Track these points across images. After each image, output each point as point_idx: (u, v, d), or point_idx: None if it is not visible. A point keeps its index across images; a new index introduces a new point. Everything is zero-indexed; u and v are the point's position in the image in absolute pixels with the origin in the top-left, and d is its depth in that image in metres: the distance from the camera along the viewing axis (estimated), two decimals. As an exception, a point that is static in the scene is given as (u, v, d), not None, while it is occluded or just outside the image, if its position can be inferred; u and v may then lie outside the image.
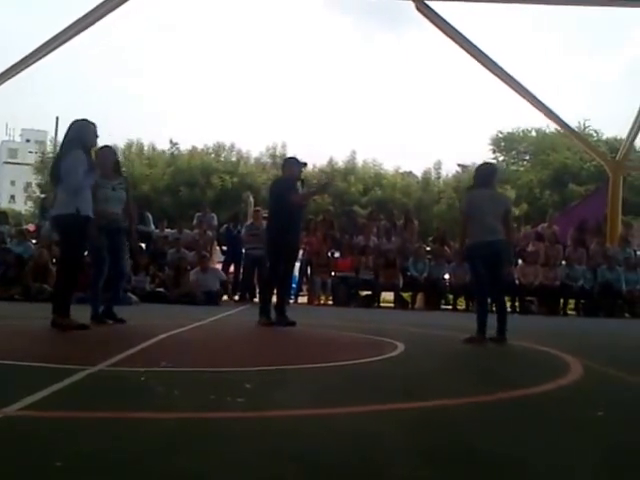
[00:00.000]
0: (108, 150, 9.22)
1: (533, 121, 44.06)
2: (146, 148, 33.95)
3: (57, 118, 47.56)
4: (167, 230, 17.72)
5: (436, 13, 18.87)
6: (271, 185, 10.16)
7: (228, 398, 3.73)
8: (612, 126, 59.34)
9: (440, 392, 4.34)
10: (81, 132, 7.54)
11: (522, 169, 44.35)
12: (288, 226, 9.05)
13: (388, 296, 17.92)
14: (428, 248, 18.00)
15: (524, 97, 19.74)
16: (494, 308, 8.04)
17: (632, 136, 20.72)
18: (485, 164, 8.69)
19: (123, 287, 9.15)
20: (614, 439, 3.25)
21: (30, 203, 42.66)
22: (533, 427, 3.42)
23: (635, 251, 18.00)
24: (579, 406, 4.09)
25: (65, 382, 4.02)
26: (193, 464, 2.51)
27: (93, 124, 7.67)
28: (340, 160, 36.80)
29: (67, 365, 4.65)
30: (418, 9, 18.77)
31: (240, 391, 3.93)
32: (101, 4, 17.78)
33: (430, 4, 18.84)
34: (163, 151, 34.95)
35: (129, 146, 35.02)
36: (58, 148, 8.03)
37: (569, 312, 16.71)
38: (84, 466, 2.45)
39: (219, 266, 16.74)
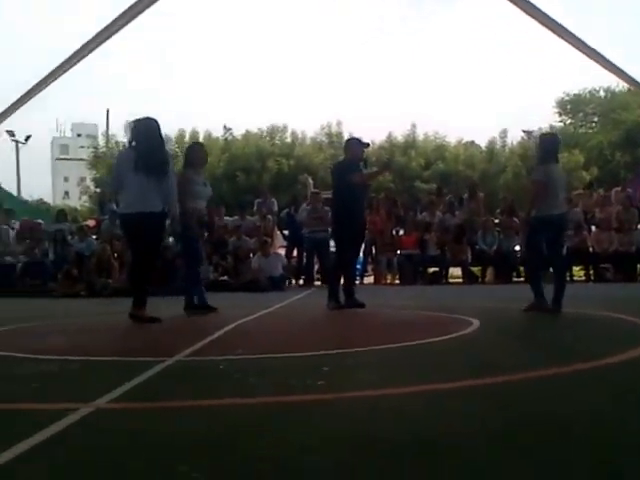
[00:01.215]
0: (200, 146, 9.73)
1: (601, 81, 42.56)
2: (202, 136, 33.72)
3: (107, 111, 48.04)
4: (226, 218, 17.54)
5: None
6: (334, 168, 9.96)
7: (308, 381, 3.77)
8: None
9: (520, 366, 4.22)
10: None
11: (591, 131, 42.96)
12: (353, 208, 8.89)
13: (456, 272, 17.47)
14: (496, 220, 17.40)
15: (589, 56, 18.75)
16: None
17: None
18: (551, 135, 8.48)
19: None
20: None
21: (85, 198, 42.82)
22: (612, 397, 3.32)
23: None
24: None
25: (146, 374, 4.06)
26: (278, 447, 2.54)
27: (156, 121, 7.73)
28: (399, 135, 36.08)
29: (145, 358, 4.77)
30: None
31: (319, 374, 3.96)
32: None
33: None
34: (217, 138, 34.74)
35: (181, 136, 34.72)
36: (127, 140, 7.91)
37: (648, 278, 15.95)
38: (176, 451, 2.52)
39: (282, 251, 16.54)
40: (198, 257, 8.64)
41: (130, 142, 7.87)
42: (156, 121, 7.71)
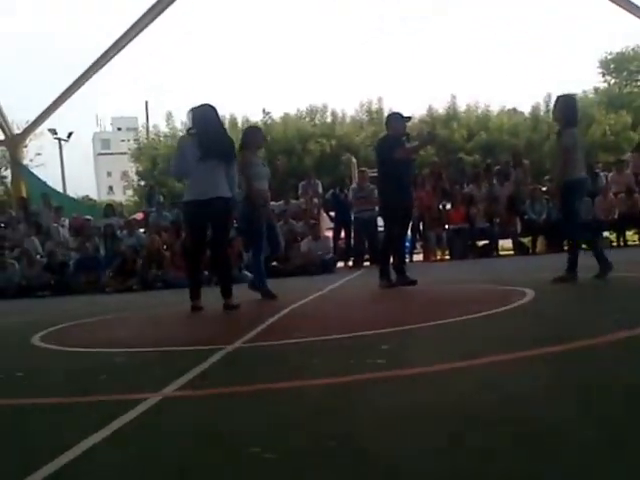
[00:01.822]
0: (257, 129, 10.05)
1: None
2: (240, 122, 33.73)
3: (146, 102, 48.27)
4: (272, 203, 17.50)
5: None
6: (377, 144, 9.83)
7: (368, 360, 3.75)
8: None
9: (584, 333, 4.16)
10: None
11: (636, 90, 41.92)
12: (399, 185, 8.82)
13: (506, 244, 17.27)
14: (544, 188, 17.11)
15: (630, 11, 18.26)
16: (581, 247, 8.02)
17: None
18: (571, 97, 8.37)
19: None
20: None
21: (129, 192, 43.08)
22: None
23: None
24: None
25: (209, 362, 4.10)
26: (344, 425, 2.58)
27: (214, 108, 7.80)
28: (440, 107, 35.63)
29: (206, 346, 4.80)
30: None
31: (379, 353, 3.95)
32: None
33: None
34: (256, 123, 34.73)
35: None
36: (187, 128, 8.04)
37: None
38: (246, 435, 2.55)
39: (329, 233, 16.50)
40: (260, 242, 8.57)
41: (189, 130, 7.90)
42: (213, 107, 7.75)
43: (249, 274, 12.49)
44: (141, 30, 18.65)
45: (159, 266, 14.71)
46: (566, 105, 7.90)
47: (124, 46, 18.87)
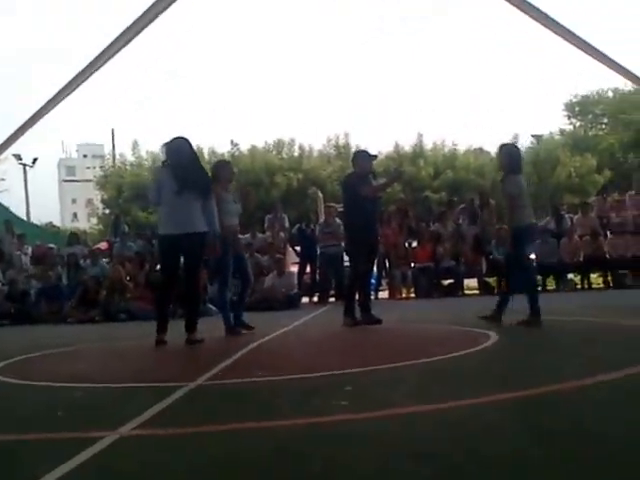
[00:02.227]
0: (226, 163, 9.82)
1: (609, 82, 42.17)
2: (207, 154, 33.78)
3: (113, 130, 48.15)
4: (239, 236, 17.39)
5: None
6: (343, 181, 9.90)
7: (332, 402, 3.76)
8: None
9: (542, 380, 4.20)
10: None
11: (601, 133, 42.68)
12: (365, 222, 8.83)
13: (472, 283, 17.32)
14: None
15: (595, 58, 18.52)
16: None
17: None
18: (513, 146, 8.71)
19: (246, 295, 9.29)
20: None
21: (94, 220, 42.73)
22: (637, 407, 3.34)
23: None
24: None
25: (169, 400, 4.04)
26: (308, 468, 2.58)
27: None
28: (407, 144, 35.96)
29: (167, 383, 4.70)
30: None
31: (342, 394, 3.95)
32: (145, 12, 17.64)
33: None
34: (223, 154, 34.73)
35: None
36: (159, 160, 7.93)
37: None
38: (200, 476, 2.58)
39: (295, 267, 16.43)
40: (226, 278, 8.56)
41: (164, 162, 7.88)
42: (187, 141, 7.75)
43: (213, 307, 12.42)
44: (109, 58, 18.54)
45: (122, 297, 14.50)
46: (509, 153, 8.05)
47: (91, 74, 18.73)
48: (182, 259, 7.60)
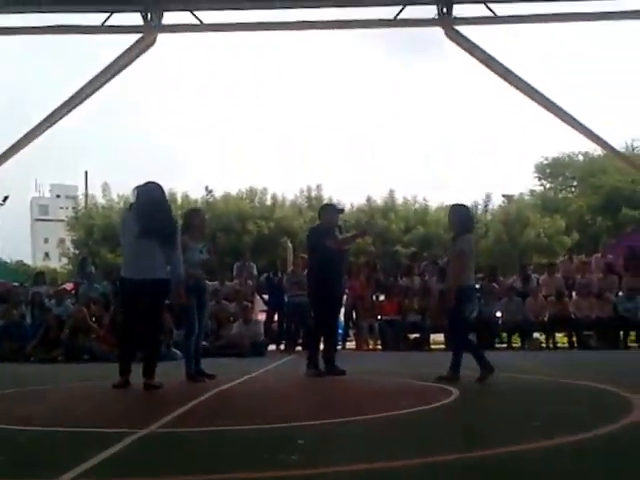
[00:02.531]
0: (201, 213, 9.76)
1: (579, 145, 42.91)
2: (179, 197, 33.81)
3: (86, 172, 48.07)
4: (206, 282, 17.30)
5: (467, 39, 17.77)
6: (309, 234, 9.91)
7: (281, 455, 3.68)
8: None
9: (499, 439, 4.20)
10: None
11: (571, 196, 43.27)
12: (330, 274, 8.86)
13: (438, 337, 17.31)
14: (477, 285, 17.31)
15: (565, 122, 18.85)
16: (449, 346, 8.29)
17: None
18: (463, 206, 8.73)
19: (201, 343, 9.17)
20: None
21: (65, 260, 42.39)
22: (594, 473, 3.31)
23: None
24: None
25: (116, 447, 3.94)
26: None
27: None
28: (379, 198, 36.25)
29: (118, 429, 4.60)
30: (447, 35, 17.72)
31: (294, 448, 3.89)
32: (120, 57, 17.84)
33: (460, 29, 17.70)
34: (196, 200, 34.76)
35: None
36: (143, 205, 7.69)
37: (630, 345, 15.86)
38: None
39: (262, 315, 16.37)
40: (194, 327, 8.53)
41: (131, 205, 7.85)
42: (160, 186, 7.76)
43: (178, 352, 12.29)
44: (82, 101, 18.62)
45: (86, 338, 14.32)
46: (460, 213, 8.21)
47: (63, 116, 18.77)
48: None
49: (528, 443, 3.92)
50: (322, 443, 4.16)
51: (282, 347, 15.89)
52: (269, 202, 35.84)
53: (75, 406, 6.50)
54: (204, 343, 14.33)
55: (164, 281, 7.45)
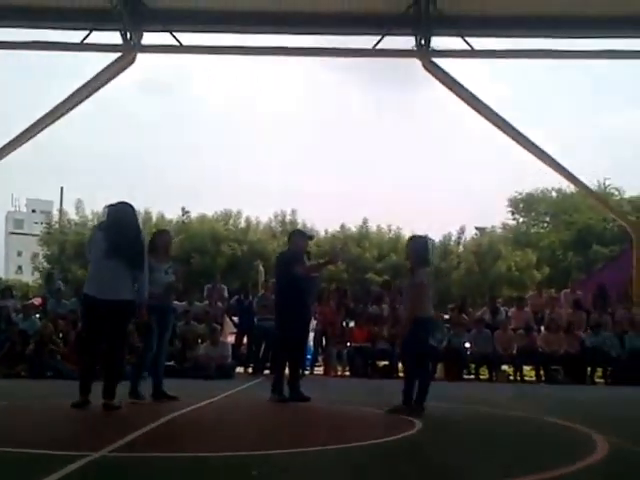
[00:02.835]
0: (166, 234, 9.66)
1: (553, 181, 43.06)
2: (154, 217, 33.69)
3: (62, 188, 47.85)
4: (176, 302, 17.14)
5: (444, 71, 18.03)
6: (277, 259, 9.89)
7: None
8: (637, 183, 58.12)
9: (458, 476, 4.16)
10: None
11: (543, 231, 43.60)
12: (296, 300, 8.79)
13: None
14: (446, 316, 17.36)
15: (539, 158, 19.06)
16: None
17: None
18: (422, 238, 8.69)
19: (163, 364, 9.06)
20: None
21: (37, 274, 42.13)
22: None
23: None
24: None
25: (64, 471, 3.82)
26: None
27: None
28: (353, 226, 36.36)
29: (69, 452, 4.45)
30: (425, 67, 17.96)
31: (247, 478, 3.80)
32: (99, 74, 17.86)
33: (438, 62, 18.01)
34: (171, 220, 34.66)
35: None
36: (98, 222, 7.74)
37: (597, 380, 15.94)
38: None
39: (232, 337, 16.27)
40: (150, 345, 8.45)
41: (101, 223, 7.81)
42: (131, 206, 7.71)
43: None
44: (61, 116, 18.56)
45: (51, 354, 14.13)
46: (418, 246, 8.20)
47: (41, 130, 18.70)
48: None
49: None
50: (276, 475, 4.07)
51: (250, 370, 15.75)
52: (243, 225, 35.86)
53: (27, 425, 6.36)
54: (171, 363, 14.34)
55: (128, 302, 7.36)
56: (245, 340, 16.16)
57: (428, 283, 7.89)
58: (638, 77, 72.24)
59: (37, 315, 16.34)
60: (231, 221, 36.03)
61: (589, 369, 15.82)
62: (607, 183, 40.51)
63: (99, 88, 18.41)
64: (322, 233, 33.97)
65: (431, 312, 7.95)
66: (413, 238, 8.54)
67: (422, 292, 7.79)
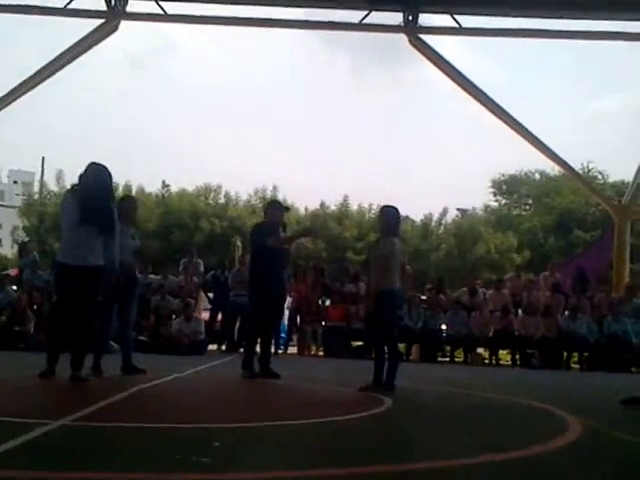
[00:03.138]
0: (132, 201, 9.60)
1: (536, 163, 42.75)
2: (134, 190, 33.30)
3: (43, 159, 47.28)
4: (151, 276, 16.95)
5: (431, 48, 18.04)
6: (251, 229, 9.75)
7: (193, 457, 3.51)
8: (619, 169, 58.04)
9: (423, 454, 4.08)
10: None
11: (525, 214, 43.52)
12: (270, 272, 8.65)
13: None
14: (424, 297, 17.26)
15: (524, 137, 18.97)
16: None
17: (639, 178, 19.64)
18: (394, 208, 8.25)
19: (132, 337, 9.04)
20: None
21: (17, 247, 41.83)
22: None
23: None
24: (573, 471, 3.79)
25: (20, 439, 3.74)
26: None
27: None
28: (332, 204, 36.13)
29: (28, 419, 4.38)
30: (412, 43, 17.93)
31: (208, 450, 3.74)
32: (81, 40, 17.56)
33: (425, 38, 18.00)
34: (150, 193, 34.32)
35: (114, 187, 33.74)
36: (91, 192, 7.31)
37: (573, 365, 15.92)
38: None
39: (207, 314, 16.09)
40: (109, 315, 8.27)
41: (73, 186, 7.60)
42: (106, 170, 7.46)
43: (115, 345, 11.97)
44: (41, 81, 18.23)
45: (23, 326, 13.94)
46: (389, 215, 8.02)
47: (20, 95, 18.36)
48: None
49: (449, 459, 3.80)
50: (239, 447, 3.98)
51: (223, 347, 15.58)
52: (222, 200, 35.59)
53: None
54: (142, 338, 14.16)
55: (98, 268, 7.17)
56: (220, 317, 15.99)
57: (396, 254, 7.69)
58: (622, 61, 72.21)
59: (14, 287, 16.13)
60: (211, 196, 35.75)
61: (565, 354, 15.79)
62: (590, 167, 40.44)
63: (80, 55, 18.12)
64: (302, 211, 33.76)
65: (397, 284, 7.71)
66: (384, 208, 8.32)
67: (387, 264, 7.60)
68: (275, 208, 9.25)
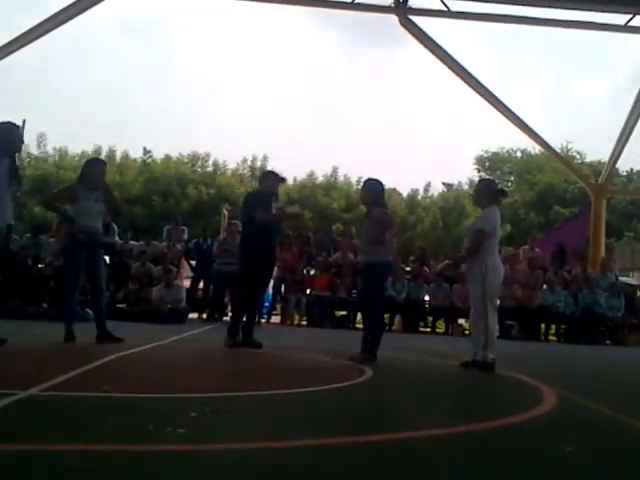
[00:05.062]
0: (99, 164, 8.94)
1: (519, 141, 43.43)
2: (119, 156, 33.02)
3: (24, 121, 46.62)
4: (132, 242, 16.84)
5: (420, 29, 18.70)
6: (245, 198, 9.51)
7: (168, 428, 3.43)
8: (596, 149, 58.63)
9: (402, 424, 4.10)
10: (10, 135, 7.24)
11: (507, 189, 43.86)
12: (262, 242, 8.56)
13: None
14: (408, 268, 17.31)
15: (507, 117, 19.63)
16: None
17: (614, 159, 20.78)
18: (377, 181, 8.22)
19: (104, 304, 8.65)
20: (581, 478, 3.10)
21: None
22: (496, 462, 3.25)
23: (617, 276, 17.45)
24: (547, 440, 3.80)
25: None
26: None
27: (18, 127, 7.42)
28: (321, 175, 36.04)
29: None
30: (402, 24, 18.56)
31: (184, 420, 3.64)
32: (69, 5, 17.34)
33: (414, 19, 18.64)
34: (135, 159, 34.04)
35: (97, 153, 33.28)
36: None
37: (550, 337, 16.07)
38: None
39: (188, 281, 16.00)
40: (74, 282, 8.21)
41: None
42: (17, 127, 7.38)
43: (90, 312, 11.89)
44: (26, 44, 17.99)
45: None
46: (373, 187, 8.02)
47: (3, 57, 18.11)
48: None
49: (428, 429, 3.82)
50: (216, 418, 3.94)
51: (204, 316, 15.54)
52: (210, 168, 35.35)
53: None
54: (122, 305, 14.08)
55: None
56: (201, 285, 15.91)
57: (385, 224, 7.65)
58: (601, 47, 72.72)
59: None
60: (199, 163, 35.50)
61: (543, 326, 15.93)
62: (569, 147, 40.98)
63: (69, 19, 17.91)
64: (291, 181, 33.67)
65: (389, 256, 7.74)
66: (368, 181, 8.28)
67: (381, 232, 7.57)
68: (272, 178, 9.11)
